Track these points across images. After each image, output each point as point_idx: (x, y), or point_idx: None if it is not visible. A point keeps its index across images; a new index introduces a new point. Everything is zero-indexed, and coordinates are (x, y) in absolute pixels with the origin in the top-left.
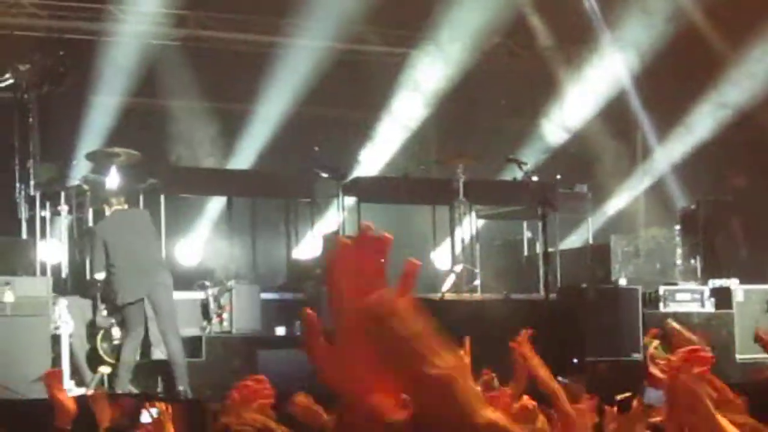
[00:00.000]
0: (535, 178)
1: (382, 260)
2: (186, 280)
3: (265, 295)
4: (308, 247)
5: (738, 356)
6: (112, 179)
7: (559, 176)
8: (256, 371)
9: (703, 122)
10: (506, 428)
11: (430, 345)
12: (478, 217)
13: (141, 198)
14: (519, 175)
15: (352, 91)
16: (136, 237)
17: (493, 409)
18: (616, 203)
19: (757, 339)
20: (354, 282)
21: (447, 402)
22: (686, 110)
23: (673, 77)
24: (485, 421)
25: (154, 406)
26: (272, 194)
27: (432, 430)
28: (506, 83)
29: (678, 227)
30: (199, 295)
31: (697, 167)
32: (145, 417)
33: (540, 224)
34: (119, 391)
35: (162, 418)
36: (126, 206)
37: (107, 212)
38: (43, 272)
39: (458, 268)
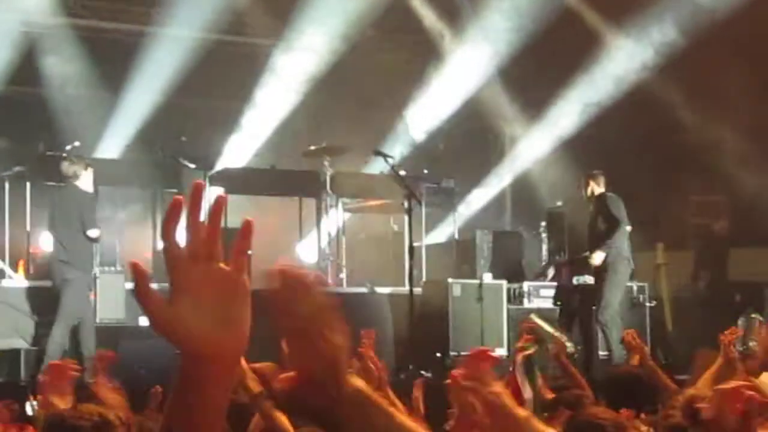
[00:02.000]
0: (402, 172)
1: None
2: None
3: (130, 285)
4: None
5: (601, 352)
6: None
7: (425, 170)
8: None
9: (568, 119)
10: (370, 396)
11: (331, 321)
12: (345, 210)
13: (6, 185)
14: (386, 168)
15: (219, 81)
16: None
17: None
18: (482, 198)
19: (624, 342)
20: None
21: (331, 374)
22: (552, 106)
23: (539, 72)
24: (353, 388)
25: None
26: (139, 184)
27: (309, 397)
28: (374, 76)
29: (544, 224)
30: (129, 286)
31: (564, 164)
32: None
33: (406, 218)
34: None
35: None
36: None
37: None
38: None
39: (324, 261)
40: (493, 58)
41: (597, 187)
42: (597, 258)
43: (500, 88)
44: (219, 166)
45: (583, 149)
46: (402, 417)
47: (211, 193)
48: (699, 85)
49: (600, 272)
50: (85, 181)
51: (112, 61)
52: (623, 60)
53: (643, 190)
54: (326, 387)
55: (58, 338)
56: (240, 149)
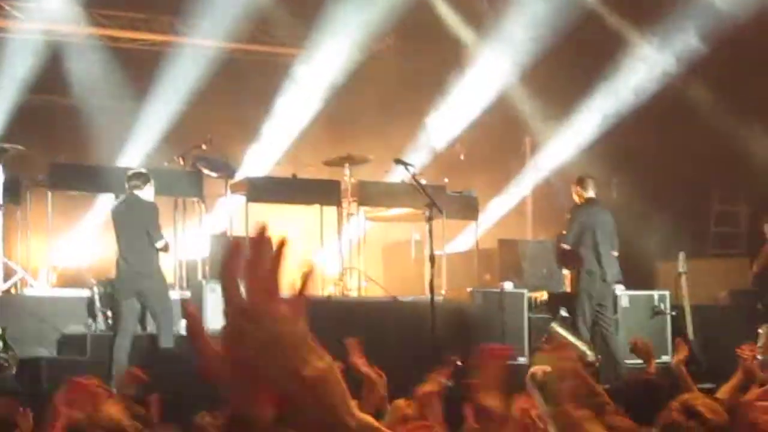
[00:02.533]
0: (423, 181)
1: (279, 262)
2: (72, 278)
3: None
4: (196, 246)
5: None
6: None
7: (446, 179)
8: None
9: (590, 126)
10: (379, 430)
11: (304, 345)
12: (367, 218)
13: (28, 194)
14: (407, 177)
15: (240, 90)
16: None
17: (361, 410)
18: (503, 207)
19: (634, 348)
20: (249, 283)
21: (319, 402)
22: (575, 113)
23: (561, 80)
24: (357, 423)
25: None
26: (160, 192)
27: (300, 430)
28: (394, 84)
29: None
30: (84, 293)
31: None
32: None
33: (427, 227)
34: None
35: None
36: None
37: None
38: None
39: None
40: (514, 65)
41: (577, 195)
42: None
43: (522, 95)
44: (240, 175)
45: (606, 157)
46: None
47: (232, 201)
48: (725, 92)
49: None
50: (148, 192)
51: (134, 70)
52: (646, 67)
53: (665, 199)
54: (319, 423)
55: (126, 347)
56: (261, 158)
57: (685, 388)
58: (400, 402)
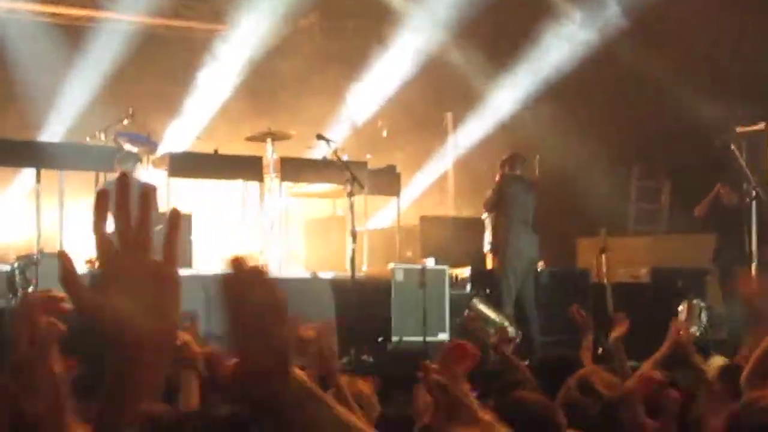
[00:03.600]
0: (344, 157)
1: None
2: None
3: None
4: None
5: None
6: None
7: (369, 155)
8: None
9: (510, 101)
10: (312, 389)
11: (281, 313)
12: (289, 194)
13: None
14: (328, 153)
15: (161, 66)
16: None
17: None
18: (425, 183)
19: (574, 318)
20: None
21: (278, 367)
22: (494, 88)
23: (481, 54)
24: (297, 381)
25: None
26: (81, 167)
27: (252, 387)
28: (315, 60)
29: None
30: (4, 267)
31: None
32: None
33: (348, 202)
34: None
35: None
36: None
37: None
38: None
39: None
40: (436, 40)
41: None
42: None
43: (444, 70)
44: (161, 150)
45: (528, 132)
46: (344, 411)
47: (155, 177)
48: (645, 66)
49: None
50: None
51: (57, 44)
52: (566, 41)
53: (587, 174)
54: (271, 378)
55: None
56: (182, 134)
57: (619, 365)
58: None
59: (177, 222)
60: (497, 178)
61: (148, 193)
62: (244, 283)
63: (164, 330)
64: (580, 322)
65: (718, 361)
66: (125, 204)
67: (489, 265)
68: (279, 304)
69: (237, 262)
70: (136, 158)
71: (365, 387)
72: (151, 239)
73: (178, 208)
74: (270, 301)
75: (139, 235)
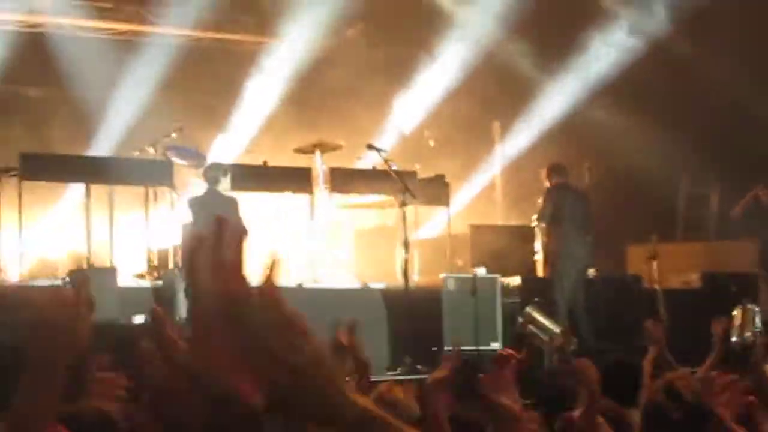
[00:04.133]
0: (394, 167)
1: (240, 252)
2: (43, 269)
3: (123, 283)
4: (167, 234)
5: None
6: None
7: (418, 165)
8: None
9: (558, 108)
10: (377, 415)
11: (289, 331)
12: (339, 206)
13: None
14: (377, 163)
15: (208, 79)
16: None
17: (359, 394)
18: (473, 192)
19: (646, 330)
20: (213, 274)
21: (310, 389)
22: (541, 96)
23: (523, 62)
24: (352, 409)
25: None
26: (130, 181)
27: (293, 416)
28: (362, 69)
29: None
30: (55, 282)
31: (555, 151)
32: None
33: (401, 212)
34: None
35: None
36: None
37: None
38: None
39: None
40: (481, 49)
41: (545, 181)
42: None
43: (490, 79)
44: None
45: (576, 139)
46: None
47: (203, 188)
48: (693, 73)
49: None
50: (225, 185)
51: (103, 60)
52: (614, 47)
53: (636, 181)
54: (314, 410)
55: None
56: (230, 146)
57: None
58: (384, 386)
59: (275, 272)
60: (546, 189)
61: (234, 208)
62: (236, 305)
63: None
64: (653, 334)
65: None
66: (221, 248)
67: (540, 272)
68: (290, 322)
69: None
70: (224, 170)
71: (400, 392)
72: (246, 276)
73: (276, 253)
74: (278, 321)
75: (235, 274)
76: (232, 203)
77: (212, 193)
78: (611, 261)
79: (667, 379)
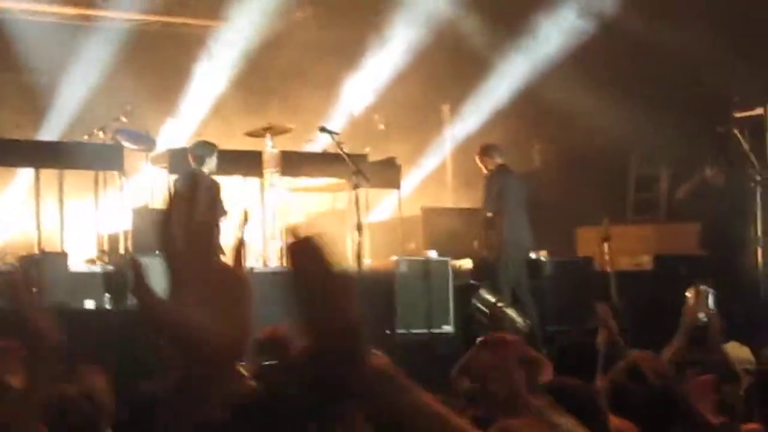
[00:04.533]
0: (346, 150)
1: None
2: None
3: (74, 268)
4: (117, 219)
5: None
6: None
7: (368, 148)
8: None
9: (506, 89)
10: (393, 375)
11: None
12: (290, 189)
13: None
14: (328, 146)
15: (156, 63)
16: None
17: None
18: (423, 175)
19: (597, 314)
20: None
21: (350, 350)
22: (490, 77)
23: (476, 41)
24: (376, 368)
25: None
26: (80, 166)
27: (326, 370)
28: (310, 53)
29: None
30: (4, 267)
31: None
32: None
33: (353, 195)
34: None
35: None
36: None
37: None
38: None
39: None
40: (429, 30)
41: (482, 164)
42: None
43: (438, 60)
44: (161, 147)
45: (525, 120)
46: (430, 399)
47: (154, 174)
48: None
49: None
50: (209, 166)
51: (52, 44)
52: (562, 27)
53: (585, 163)
54: (345, 359)
55: None
56: (180, 130)
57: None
58: None
59: (245, 223)
60: (487, 174)
61: (216, 191)
62: (306, 252)
63: (238, 338)
64: (603, 316)
65: (735, 346)
66: (192, 204)
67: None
68: (346, 275)
69: (296, 231)
70: (212, 149)
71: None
72: (217, 238)
73: (247, 210)
74: (336, 272)
75: (204, 235)
76: (215, 186)
77: (197, 173)
78: (561, 244)
79: (631, 360)
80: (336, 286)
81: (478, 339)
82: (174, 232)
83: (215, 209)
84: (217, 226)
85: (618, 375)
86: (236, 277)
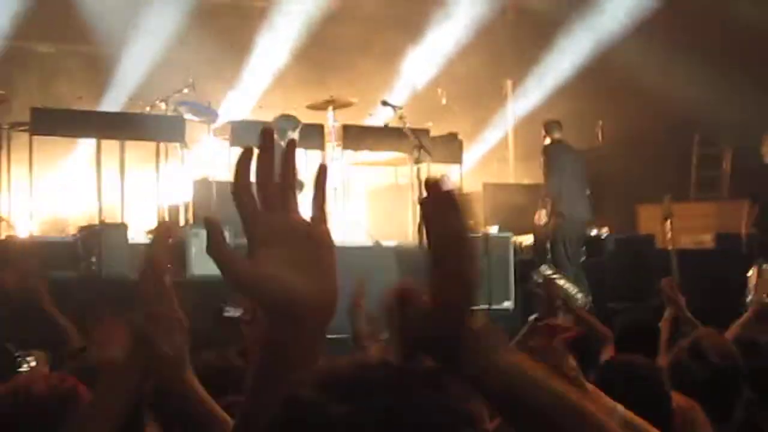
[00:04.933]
0: (408, 124)
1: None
2: (53, 225)
3: (134, 239)
4: (178, 191)
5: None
6: None
7: (430, 123)
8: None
9: (570, 66)
10: (501, 337)
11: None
12: (352, 163)
13: (7, 138)
14: (390, 120)
15: (218, 35)
16: None
17: None
18: (484, 150)
19: (662, 290)
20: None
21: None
22: (548, 53)
23: (534, 19)
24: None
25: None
26: (141, 137)
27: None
28: (372, 25)
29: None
30: (66, 239)
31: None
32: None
33: (415, 170)
34: None
35: None
36: None
37: None
38: None
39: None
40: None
41: (546, 138)
42: (537, 216)
43: (503, 35)
44: (221, 119)
45: (587, 98)
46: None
47: (217, 145)
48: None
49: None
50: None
51: (112, 15)
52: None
53: (644, 140)
54: (460, 317)
55: None
56: (241, 102)
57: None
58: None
59: (324, 178)
60: (544, 147)
61: (291, 149)
62: (442, 206)
63: (326, 295)
64: (670, 294)
65: None
66: (269, 162)
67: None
68: (471, 235)
69: (435, 185)
70: (296, 122)
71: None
72: (296, 198)
73: (326, 165)
74: (464, 228)
75: (283, 194)
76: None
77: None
78: (622, 221)
79: (694, 338)
80: (469, 243)
81: (531, 317)
82: (251, 192)
83: (292, 167)
84: (293, 189)
85: (680, 353)
86: (317, 234)
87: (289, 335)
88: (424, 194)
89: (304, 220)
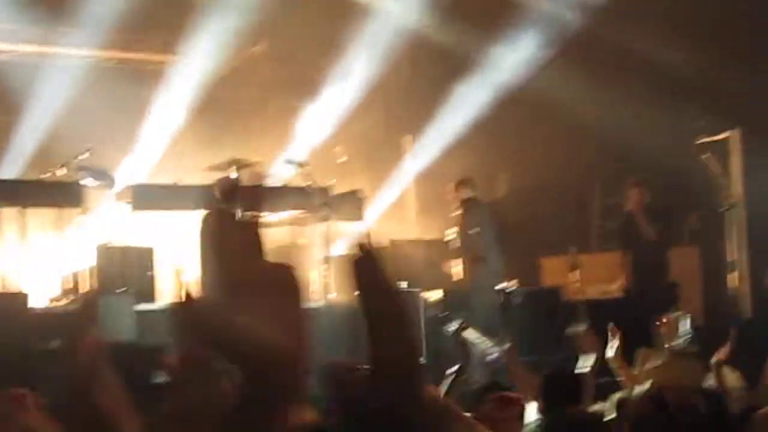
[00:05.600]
0: (312, 182)
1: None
2: None
3: (37, 308)
4: (80, 257)
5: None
6: None
7: (333, 180)
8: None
9: (467, 120)
10: (450, 407)
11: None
12: None
13: None
14: (290, 179)
15: (115, 99)
16: None
17: None
18: (386, 207)
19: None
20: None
21: (411, 377)
22: (450, 108)
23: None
24: (432, 398)
25: None
26: (41, 203)
27: (383, 395)
28: (268, 87)
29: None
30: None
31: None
32: None
33: (320, 228)
34: None
35: None
36: None
37: None
38: None
39: None
40: (387, 63)
41: (456, 195)
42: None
43: (399, 92)
44: (122, 183)
45: (488, 151)
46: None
47: (118, 210)
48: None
49: None
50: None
51: (7, 82)
52: (520, 58)
53: (549, 193)
54: (407, 387)
55: None
56: (139, 166)
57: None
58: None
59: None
60: (463, 201)
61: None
62: (371, 265)
63: (293, 344)
64: (586, 343)
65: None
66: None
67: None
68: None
69: (364, 245)
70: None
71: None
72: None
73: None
74: (395, 286)
75: (252, 237)
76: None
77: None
78: (525, 274)
79: (655, 389)
80: (399, 307)
81: (448, 371)
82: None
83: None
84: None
85: (642, 404)
86: (287, 278)
87: (260, 380)
88: (355, 254)
89: (273, 264)
